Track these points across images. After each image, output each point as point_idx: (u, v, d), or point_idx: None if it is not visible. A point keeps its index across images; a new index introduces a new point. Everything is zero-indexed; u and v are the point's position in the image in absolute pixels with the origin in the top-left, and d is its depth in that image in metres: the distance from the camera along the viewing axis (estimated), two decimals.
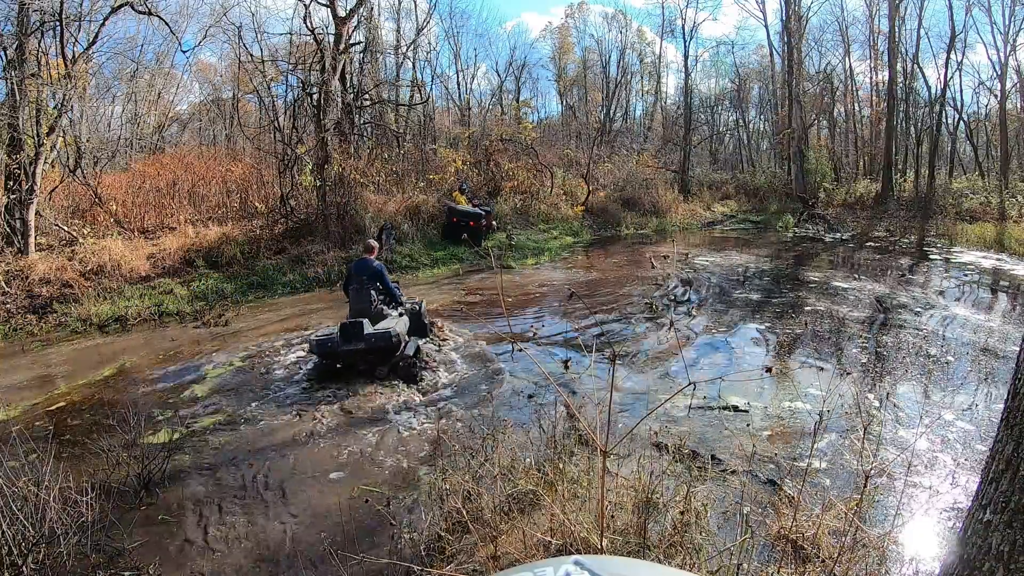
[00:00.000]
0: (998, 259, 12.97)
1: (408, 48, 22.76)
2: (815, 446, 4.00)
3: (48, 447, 3.67)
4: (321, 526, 3.46)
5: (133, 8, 11.49)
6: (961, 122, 23.67)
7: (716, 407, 4.93)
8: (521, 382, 5.70)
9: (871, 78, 25.04)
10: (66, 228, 10.80)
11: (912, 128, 23.21)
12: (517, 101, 27.29)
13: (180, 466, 4.18)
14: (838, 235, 17.08)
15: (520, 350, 6.30)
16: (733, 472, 3.78)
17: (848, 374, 5.70)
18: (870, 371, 5.89)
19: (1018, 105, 22.52)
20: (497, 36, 48.57)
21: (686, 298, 9.36)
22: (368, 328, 5.66)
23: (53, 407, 5.38)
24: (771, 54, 25.89)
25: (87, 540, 3.15)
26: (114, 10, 11.26)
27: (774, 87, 26.90)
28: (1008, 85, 21.13)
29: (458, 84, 29.19)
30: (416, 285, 10.26)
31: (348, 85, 14.36)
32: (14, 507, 2.95)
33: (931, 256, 13.53)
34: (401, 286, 6.94)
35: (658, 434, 4.25)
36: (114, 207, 12.23)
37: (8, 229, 9.60)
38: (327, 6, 13.11)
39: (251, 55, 14.45)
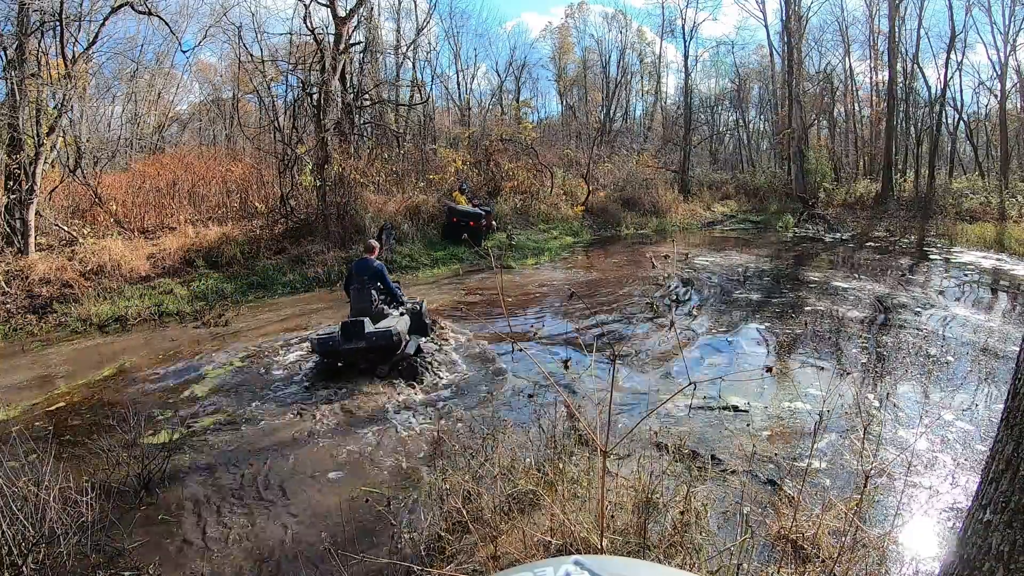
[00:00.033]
0: (998, 259, 12.97)
1: (408, 48, 22.78)
2: (815, 446, 4.00)
3: (48, 447, 3.68)
4: (321, 526, 3.46)
5: (133, 8, 11.49)
6: (961, 122, 23.68)
7: (716, 407, 4.93)
8: (521, 382, 5.70)
9: (871, 78, 25.10)
10: (66, 228, 10.80)
11: (912, 128, 23.21)
12: (517, 101, 27.30)
13: (180, 466, 4.17)
14: (838, 235, 17.08)
15: (520, 350, 6.30)
16: (733, 472, 3.78)
17: (848, 374, 5.70)
18: (870, 371, 5.89)
19: (1018, 105, 22.52)
20: (497, 36, 48.68)
21: (687, 298, 9.36)
22: (369, 327, 5.67)
23: (53, 407, 5.38)
24: (771, 54, 25.92)
25: (87, 540, 3.15)
26: (114, 10, 11.26)
27: (774, 87, 26.90)
28: (1008, 85, 21.15)
29: (458, 84, 29.24)
30: (416, 285, 10.26)
31: (348, 85, 14.36)
32: (14, 507, 2.95)
33: (931, 256, 13.53)
34: (401, 286, 6.96)
35: (658, 434, 4.25)
36: (114, 207, 12.23)
37: (8, 229, 9.60)
38: (327, 6, 13.11)
39: (251, 55, 14.46)
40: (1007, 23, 20.10)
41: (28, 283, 8.89)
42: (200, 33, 19.65)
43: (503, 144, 17.84)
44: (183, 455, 4.33)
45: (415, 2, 24.25)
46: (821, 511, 2.98)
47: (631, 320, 7.95)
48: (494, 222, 14.77)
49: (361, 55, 16.56)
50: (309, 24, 12.70)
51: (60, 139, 11.06)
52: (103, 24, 11.41)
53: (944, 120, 22.21)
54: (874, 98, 24.92)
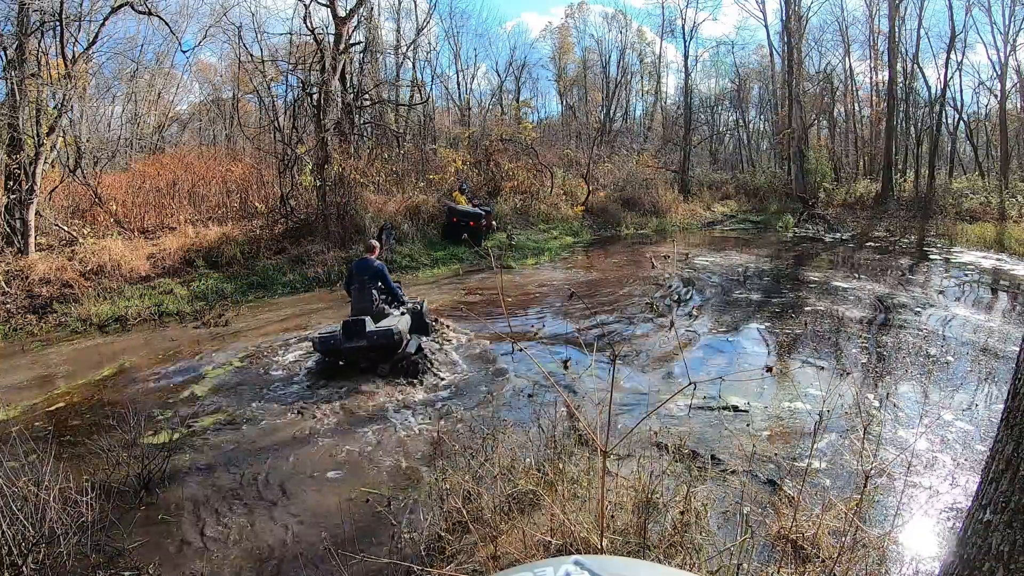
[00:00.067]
0: (998, 259, 12.97)
1: (408, 48, 22.77)
2: (815, 446, 4.00)
3: (48, 447, 3.68)
4: (321, 526, 3.46)
5: (133, 8, 11.49)
6: (961, 122, 23.68)
7: (716, 407, 4.93)
8: (522, 382, 5.71)
9: (871, 78, 25.08)
10: (66, 228, 10.80)
11: (912, 128, 23.21)
12: (517, 101, 27.29)
13: (180, 466, 4.17)
14: (838, 235, 17.08)
15: (520, 350, 6.29)
16: (733, 472, 3.77)
17: (848, 374, 5.70)
18: (870, 371, 5.89)
19: (1018, 105, 22.52)
20: (497, 36, 48.63)
21: (688, 298, 9.36)
22: (371, 326, 5.69)
23: (53, 407, 5.38)
24: (771, 54, 25.91)
25: (87, 540, 3.15)
26: (114, 10, 11.26)
27: (774, 87, 26.89)
28: (1008, 85, 21.15)
29: (458, 84, 29.21)
30: (416, 285, 10.26)
31: (348, 85, 14.37)
32: (14, 507, 2.95)
33: (931, 256, 13.53)
34: (402, 286, 6.98)
35: (658, 434, 4.25)
36: (114, 207, 12.23)
37: (8, 229, 9.60)
38: (327, 6, 13.12)
39: (251, 55, 14.47)
40: (1007, 23, 20.13)
41: (28, 283, 8.89)
42: (200, 33, 19.67)
43: (503, 144, 17.84)
44: (183, 455, 4.33)
45: (415, 2, 24.28)
46: (821, 511, 2.98)
47: (631, 320, 7.95)
48: (494, 222, 14.77)
49: (361, 55, 16.57)
50: (309, 24, 12.71)
51: (60, 139, 11.06)
52: (103, 24, 11.43)
53: (944, 120, 22.23)
54: (874, 98, 24.92)
